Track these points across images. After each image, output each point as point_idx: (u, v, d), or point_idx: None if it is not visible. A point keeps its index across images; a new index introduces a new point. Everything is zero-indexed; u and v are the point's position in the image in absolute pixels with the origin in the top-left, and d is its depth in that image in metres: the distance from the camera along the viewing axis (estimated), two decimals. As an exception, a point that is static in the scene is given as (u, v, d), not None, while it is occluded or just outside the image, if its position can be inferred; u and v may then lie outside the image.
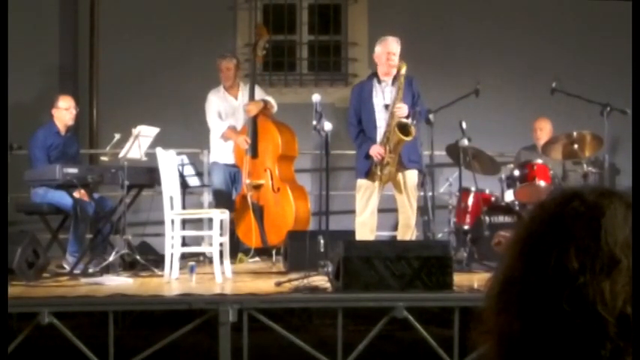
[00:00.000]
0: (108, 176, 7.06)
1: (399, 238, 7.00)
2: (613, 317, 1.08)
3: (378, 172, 6.90)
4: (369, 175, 6.96)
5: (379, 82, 7.04)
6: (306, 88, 9.43)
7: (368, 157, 6.94)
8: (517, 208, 7.66)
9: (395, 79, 6.97)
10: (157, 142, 7.14)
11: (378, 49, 7.05)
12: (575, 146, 7.49)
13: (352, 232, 6.97)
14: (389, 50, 6.96)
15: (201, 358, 5.90)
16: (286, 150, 7.91)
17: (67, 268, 7.07)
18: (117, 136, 7.22)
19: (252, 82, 8.10)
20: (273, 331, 5.55)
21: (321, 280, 5.96)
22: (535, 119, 8.36)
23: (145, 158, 7.19)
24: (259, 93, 8.11)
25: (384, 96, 6.98)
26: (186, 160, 8.38)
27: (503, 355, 1.15)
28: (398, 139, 6.80)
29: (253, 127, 7.93)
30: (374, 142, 6.93)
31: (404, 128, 6.81)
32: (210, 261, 6.81)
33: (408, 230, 6.93)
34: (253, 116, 7.92)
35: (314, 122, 6.42)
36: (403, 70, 6.90)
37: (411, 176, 7.00)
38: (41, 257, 6.53)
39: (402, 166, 6.94)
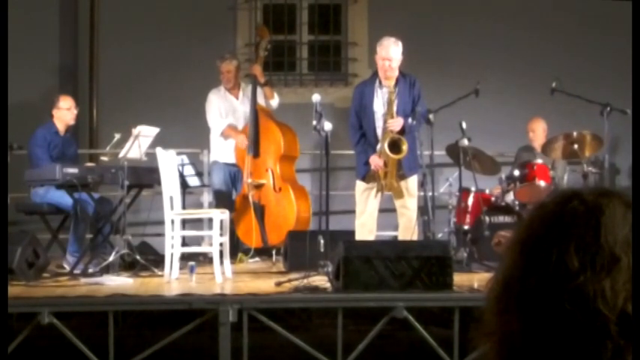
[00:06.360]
0: (108, 176, 7.05)
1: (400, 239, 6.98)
2: (614, 315, 1.08)
3: (382, 182, 6.87)
4: (367, 177, 6.94)
5: (380, 85, 6.97)
6: (306, 88, 9.43)
7: (367, 163, 6.92)
8: (517, 208, 7.67)
9: (397, 82, 6.93)
10: (157, 142, 7.13)
11: (377, 51, 6.99)
12: (575, 146, 7.49)
13: (352, 232, 6.96)
14: (383, 56, 6.86)
15: (201, 358, 5.90)
16: (288, 150, 7.91)
17: (67, 268, 7.07)
18: (117, 136, 7.22)
19: (254, 82, 8.09)
20: (273, 331, 5.54)
21: (321, 280, 5.96)
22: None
23: (145, 158, 7.19)
24: (260, 93, 8.10)
25: (383, 102, 6.91)
26: (186, 160, 8.38)
27: (504, 355, 1.15)
28: (391, 159, 6.77)
29: (255, 127, 7.92)
30: (374, 149, 6.89)
31: (395, 144, 6.77)
32: (210, 261, 6.80)
33: (408, 232, 6.90)
34: (255, 117, 7.91)
35: (314, 122, 6.41)
36: (391, 87, 6.84)
37: (413, 181, 6.97)
38: (41, 257, 6.53)
39: (403, 175, 6.91)
